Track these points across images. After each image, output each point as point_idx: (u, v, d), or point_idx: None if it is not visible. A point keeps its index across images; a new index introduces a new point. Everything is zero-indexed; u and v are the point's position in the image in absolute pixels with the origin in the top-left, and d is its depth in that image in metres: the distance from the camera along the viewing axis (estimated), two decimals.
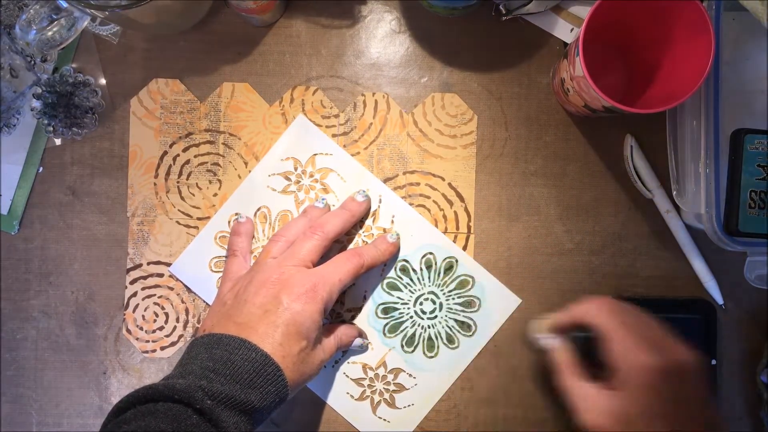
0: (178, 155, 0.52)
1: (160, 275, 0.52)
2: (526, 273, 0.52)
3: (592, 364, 0.42)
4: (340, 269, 0.46)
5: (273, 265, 0.46)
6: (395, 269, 0.52)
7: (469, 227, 0.52)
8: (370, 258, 0.48)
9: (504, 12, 0.50)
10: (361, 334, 0.51)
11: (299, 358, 0.43)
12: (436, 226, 0.52)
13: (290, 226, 0.49)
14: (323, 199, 0.51)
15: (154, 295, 0.52)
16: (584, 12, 0.52)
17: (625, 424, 0.38)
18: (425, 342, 0.52)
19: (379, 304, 0.52)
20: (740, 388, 0.52)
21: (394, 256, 0.52)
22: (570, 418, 0.42)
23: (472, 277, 0.52)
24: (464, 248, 0.52)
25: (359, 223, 0.52)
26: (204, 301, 0.52)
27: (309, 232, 0.47)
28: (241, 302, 0.44)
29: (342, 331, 0.49)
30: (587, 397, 0.41)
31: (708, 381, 0.42)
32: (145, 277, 0.52)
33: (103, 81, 0.52)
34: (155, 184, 0.52)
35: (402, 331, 0.52)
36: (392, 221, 0.52)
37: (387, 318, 0.52)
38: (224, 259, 0.52)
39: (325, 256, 0.48)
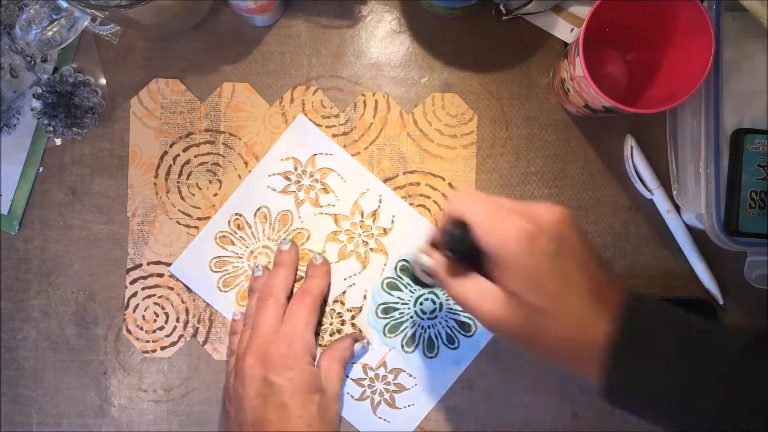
0: (178, 155, 0.52)
1: (160, 275, 0.52)
2: None
3: (475, 261, 0.38)
4: (299, 316, 0.47)
5: (245, 351, 0.46)
6: (395, 269, 0.52)
7: None
8: (315, 288, 0.49)
9: (504, 12, 0.50)
10: (357, 339, 0.51)
11: (320, 412, 0.44)
12: (436, 226, 0.52)
13: (248, 310, 0.50)
14: (258, 267, 0.51)
15: (154, 295, 0.52)
16: (584, 12, 0.52)
17: (517, 304, 0.35)
18: (425, 342, 0.52)
19: (379, 304, 0.52)
20: None
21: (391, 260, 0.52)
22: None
23: None
24: None
25: (360, 222, 0.52)
26: (204, 301, 0.52)
27: (260, 303, 0.48)
28: (239, 402, 0.45)
29: (338, 351, 0.49)
30: (473, 291, 0.37)
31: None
32: (145, 277, 0.52)
33: (103, 81, 0.52)
34: (155, 184, 0.52)
35: (402, 331, 0.52)
36: (392, 221, 0.52)
37: (387, 318, 0.52)
38: (223, 259, 0.52)
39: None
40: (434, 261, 0.40)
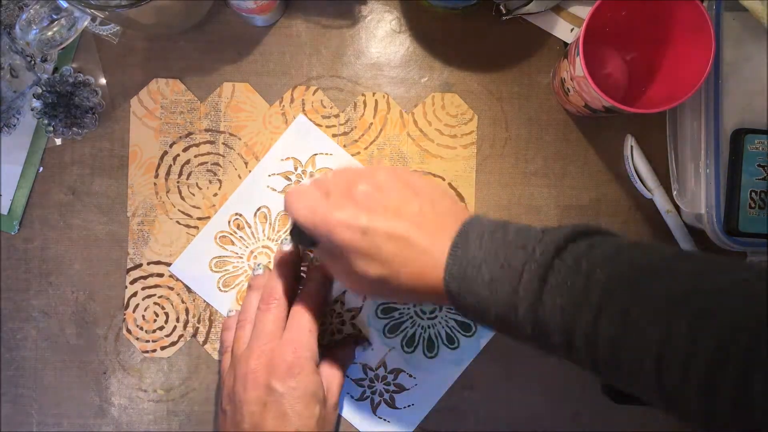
0: (178, 155, 0.52)
1: (160, 275, 0.52)
2: None
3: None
4: (303, 321, 0.47)
5: (248, 353, 0.46)
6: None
7: None
8: (317, 293, 0.49)
9: (504, 12, 0.50)
10: (357, 342, 0.51)
11: (318, 425, 0.44)
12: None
13: (246, 307, 0.49)
14: (259, 265, 0.51)
15: (154, 295, 0.52)
16: (584, 12, 0.52)
17: (363, 281, 0.39)
18: (425, 342, 0.52)
19: (379, 304, 0.52)
20: None
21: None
22: None
23: None
24: None
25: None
26: (204, 301, 0.52)
27: (263, 305, 0.47)
28: (238, 405, 0.44)
29: (339, 355, 0.49)
30: (345, 283, 0.43)
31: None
32: (145, 277, 0.52)
33: (103, 81, 0.52)
34: (155, 184, 0.52)
35: (402, 331, 0.52)
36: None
37: (387, 318, 0.52)
38: (223, 259, 0.52)
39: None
40: (288, 250, 0.48)
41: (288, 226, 0.44)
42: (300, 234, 0.42)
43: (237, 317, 0.50)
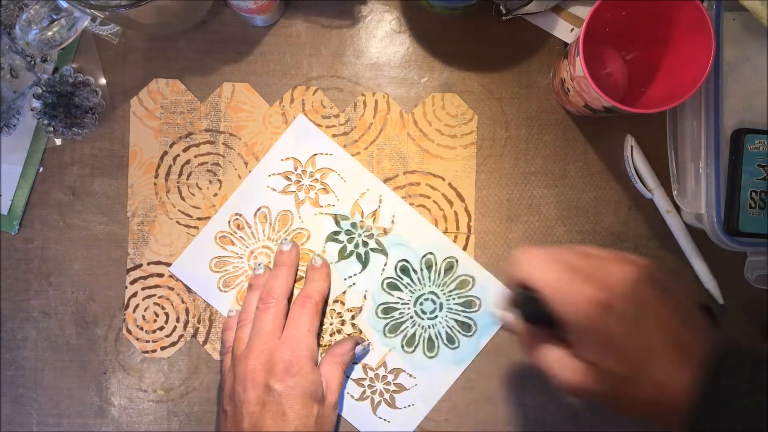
0: (178, 155, 0.52)
1: (160, 275, 0.52)
2: None
3: (552, 323, 0.37)
4: (302, 321, 0.47)
5: (247, 353, 0.46)
6: (395, 269, 0.52)
7: (469, 227, 0.52)
8: (316, 293, 0.49)
9: (504, 12, 0.50)
10: (357, 342, 0.51)
11: (317, 424, 0.44)
12: (437, 226, 0.52)
13: (246, 307, 0.49)
14: (260, 265, 0.51)
15: (154, 295, 0.52)
16: (584, 12, 0.52)
17: (597, 373, 0.34)
18: (425, 342, 0.52)
19: (379, 304, 0.52)
20: None
21: (396, 258, 0.52)
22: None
23: (473, 278, 0.52)
24: (464, 248, 0.52)
25: (360, 222, 0.52)
26: (204, 301, 0.52)
27: (262, 305, 0.48)
28: (238, 404, 0.44)
29: (338, 354, 0.49)
30: (553, 361, 0.37)
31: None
32: (145, 277, 0.52)
33: (103, 81, 0.52)
34: (155, 184, 0.52)
35: (402, 331, 0.52)
36: (392, 221, 0.52)
37: (387, 318, 0.52)
38: (223, 259, 0.52)
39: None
40: (515, 324, 0.40)
41: (511, 294, 0.39)
42: (531, 305, 0.37)
43: (237, 317, 0.50)
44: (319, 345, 0.51)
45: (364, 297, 0.52)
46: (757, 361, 0.33)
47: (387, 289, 0.52)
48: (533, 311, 0.37)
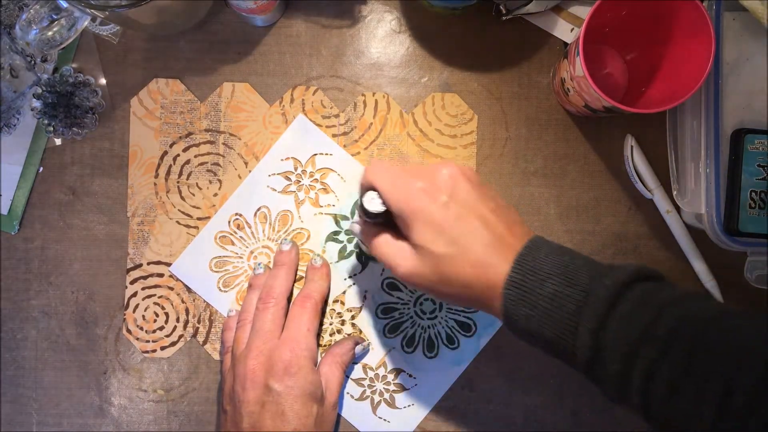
0: (178, 155, 0.52)
1: (160, 275, 0.52)
2: None
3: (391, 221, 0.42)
4: (302, 321, 0.47)
5: (246, 353, 0.46)
6: (359, 250, 0.52)
7: None
8: (316, 292, 0.49)
9: (504, 12, 0.50)
10: (357, 342, 0.51)
11: (317, 425, 0.44)
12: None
13: (246, 306, 0.49)
14: (260, 264, 0.51)
15: (154, 295, 0.52)
16: (584, 12, 0.52)
17: (422, 254, 0.39)
18: (425, 342, 0.52)
19: (379, 304, 0.52)
20: None
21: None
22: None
23: None
24: None
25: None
26: (204, 301, 0.52)
27: (261, 305, 0.48)
28: (237, 405, 0.45)
29: (339, 355, 0.49)
30: (390, 251, 0.41)
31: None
32: (145, 277, 0.52)
33: (103, 81, 0.52)
34: (155, 184, 0.52)
35: (402, 331, 0.52)
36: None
37: (387, 318, 0.52)
38: (223, 259, 0.52)
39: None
40: (357, 226, 0.45)
41: (359, 194, 0.43)
42: (374, 201, 0.41)
43: (237, 317, 0.50)
44: (319, 345, 0.51)
45: (364, 297, 0.52)
46: (560, 248, 0.37)
47: (387, 289, 0.52)
48: (372, 206, 0.41)
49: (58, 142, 0.52)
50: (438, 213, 0.38)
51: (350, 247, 0.52)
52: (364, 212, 0.42)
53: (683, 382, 0.31)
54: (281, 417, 0.43)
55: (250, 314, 0.48)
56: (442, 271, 0.38)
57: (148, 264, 0.52)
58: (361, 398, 0.52)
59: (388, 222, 0.42)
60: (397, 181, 0.40)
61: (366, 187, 0.42)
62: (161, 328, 0.52)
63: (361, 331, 0.52)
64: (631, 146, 0.51)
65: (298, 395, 0.44)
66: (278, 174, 0.52)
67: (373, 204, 0.41)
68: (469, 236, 0.38)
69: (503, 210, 0.40)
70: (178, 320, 0.52)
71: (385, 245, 0.42)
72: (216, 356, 0.52)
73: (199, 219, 0.52)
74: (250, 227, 0.52)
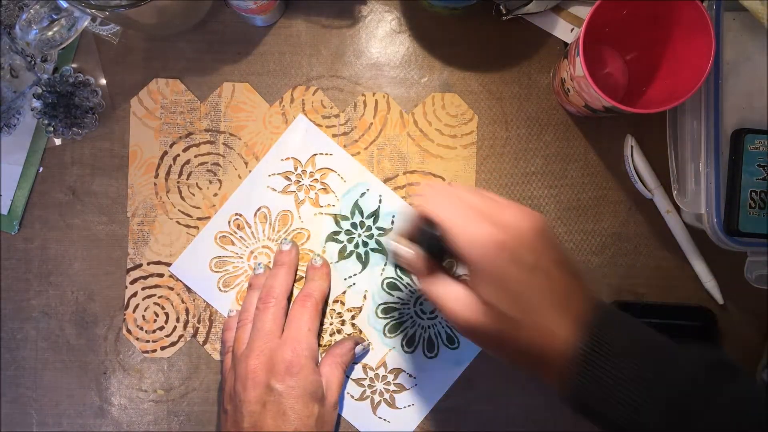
0: (178, 155, 0.52)
1: (161, 275, 0.52)
2: None
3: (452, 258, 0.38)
4: (302, 320, 0.47)
5: (247, 353, 0.46)
6: (395, 269, 0.52)
7: None
8: (316, 292, 0.49)
9: (504, 12, 0.50)
10: (357, 342, 0.51)
11: (317, 425, 0.44)
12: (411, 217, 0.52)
13: (246, 306, 0.49)
14: (260, 264, 0.51)
15: (155, 295, 0.52)
16: (584, 12, 0.52)
17: (490, 313, 0.35)
18: (425, 342, 0.52)
19: (379, 304, 0.52)
20: None
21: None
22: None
23: None
24: None
25: (360, 222, 0.52)
26: (204, 301, 0.52)
27: (262, 305, 0.48)
28: (238, 404, 0.44)
29: (338, 354, 0.49)
30: (452, 297, 0.37)
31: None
32: (145, 277, 0.52)
33: (103, 81, 0.52)
34: (155, 184, 0.52)
35: (402, 331, 0.52)
36: (392, 221, 0.52)
37: (387, 318, 0.52)
38: (223, 259, 0.52)
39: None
40: (414, 255, 0.39)
41: (410, 228, 0.39)
42: (433, 238, 0.37)
43: (237, 317, 0.50)
44: (319, 345, 0.51)
45: (364, 297, 0.52)
46: (635, 325, 0.35)
47: (387, 289, 0.52)
48: (433, 246, 0.37)
49: (58, 142, 0.52)
50: (519, 278, 0.35)
51: (350, 247, 0.52)
52: (424, 246, 0.38)
53: None
54: (282, 417, 0.43)
55: (250, 314, 0.48)
56: (508, 332, 0.35)
57: (148, 264, 0.52)
58: (361, 398, 0.52)
59: (445, 257, 0.38)
60: (466, 221, 0.36)
61: (423, 218, 0.38)
62: (161, 328, 0.52)
63: (361, 331, 0.52)
64: (631, 146, 0.51)
65: (299, 395, 0.44)
66: (278, 174, 0.52)
67: (433, 241, 0.37)
68: (545, 304, 0.35)
69: (567, 266, 0.36)
70: (178, 320, 0.52)
71: (443, 288, 0.38)
72: (216, 356, 0.52)
73: (199, 219, 0.52)
74: (250, 227, 0.52)
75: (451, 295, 0.37)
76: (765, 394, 0.34)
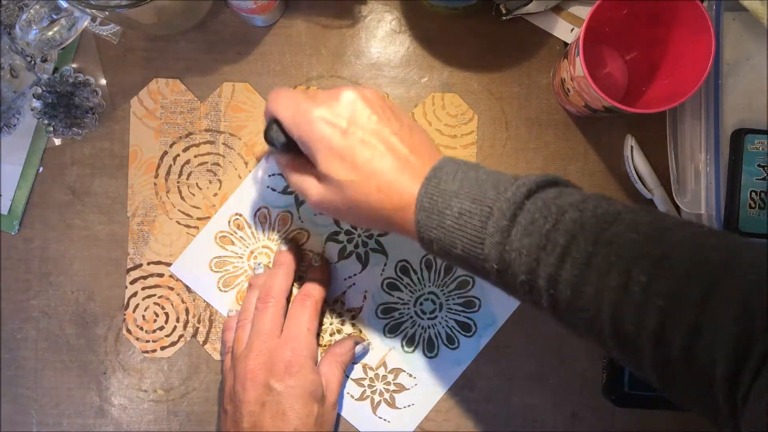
0: (178, 155, 0.52)
1: (160, 275, 0.52)
2: None
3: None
4: (302, 320, 0.47)
5: (246, 353, 0.46)
6: (395, 269, 0.52)
7: None
8: (316, 291, 0.49)
9: (504, 12, 0.50)
10: (357, 342, 0.51)
11: (317, 424, 0.44)
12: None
13: (246, 306, 0.49)
14: (260, 264, 0.51)
15: (154, 295, 0.52)
16: (584, 12, 0.52)
17: (328, 183, 0.39)
18: (425, 342, 0.52)
19: (379, 304, 0.52)
20: None
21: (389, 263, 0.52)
22: None
23: (473, 278, 0.52)
24: None
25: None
26: (204, 301, 0.52)
27: (261, 305, 0.47)
28: (238, 404, 0.44)
29: (338, 354, 0.49)
30: (301, 181, 0.42)
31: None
32: (145, 277, 0.52)
33: (103, 81, 0.52)
34: (155, 184, 0.52)
35: (402, 331, 0.52)
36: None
37: (387, 318, 0.52)
38: (223, 259, 0.52)
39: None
40: (277, 156, 0.45)
41: (266, 124, 0.43)
42: (276, 132, 0.42)
43: (237, 317, 0.50)
44: (318, 345, 0.51)
45: (364, 297, 0.52)
46: (466, 164, 0.38)
47: (387, 289, 0.52)
48: (279, 140, 0.42)
49: (58, 142, 0.52)
50: (338, 140, 0.38)
51: (350, 247, 0.52)
52: (271, 143, 0.42)
53: (583, 282, 0.32)
54: (282, 417, 0.43)
55: (250, 314, 0.48)
56: (349, 197, 0.39)
57: (148, 264, 0.52)
58: (361, 398, 0.52)
59: (299, 150, 0.42)
60: (299, 110, 0.40)
61: (270, 118, 0.42)
62: (161, 328, 0.52)
63: (361, 331, 0.52)
64: (631, 146, 0.51)
65: (299, 395, 0.44)
66: (278, 174, 0.52)
67: (277, 135, 0.41)
68: (372, 161, 0.38)
69: (407, 131, 0.40)
70: (178, 320, 0.52)
71: (296, 175, 0.42)
72: (216, 356, 0.52)
73: (199, 219, 0.52)
74: (250, 227, 0.52)
75: (301, 178, 0.42)
76: (589, 199, 0.35)
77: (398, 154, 0.38)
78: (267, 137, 0.42)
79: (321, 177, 0.40)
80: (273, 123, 0.42)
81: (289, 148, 0.42)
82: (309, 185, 0.41)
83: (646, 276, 0.30)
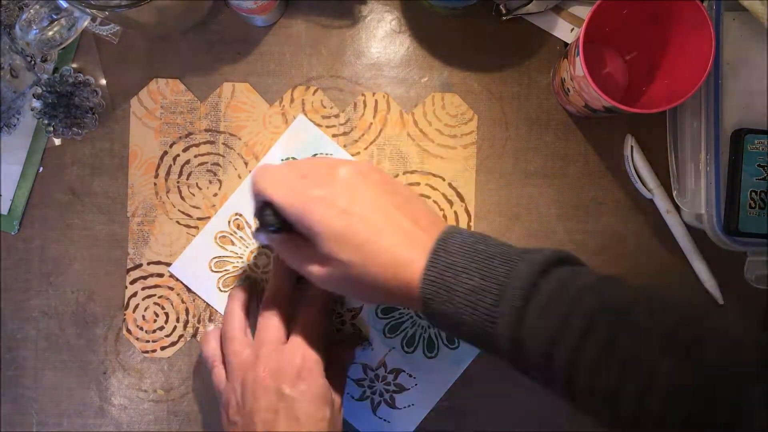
0: (178, 155, 0.52)
1: (160, 275, 0.52)
2: None
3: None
4: (309, 325, 0.46)
5: (252, 360, 0.44)
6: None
7: (469, 227, 0.52)
8: (322, 294, 0.48)
9: (504, 12, 0.50)
10: (357, 342, 0.51)
11: (330, 425, 0.43)
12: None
13: (230, 318, 0.48)
14: (245, 279, 0.51)
15: (154, 295, 0.52)
16: (584, 12, 0.52)
17: (331, 263, 0.39)
18: (425, 342, 0.52)
19: (379, 304, 0.52)
20: None
21: None
22: None
23: None
24: None
25: None
26: (204, 301, 0.52)
27: (264, 311, 0.46)
28: (248, 414, 0.43)
29: (339, 355, 0.49)
30: (305, 266, 0.41)
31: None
32: (145, 277, 0.52)
33: (103, 81, 0.52)
34: (155, 184, 0.52)
35: (402, 331, 0.52)
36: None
37: (387, 318, 0.52)
38: (223, 259, 0.52)
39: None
40: (268, 240, 0.44)
41: (255, 207, 0.42)
42: (271, 216, 0.40)
43: (217, 332, 0.48)
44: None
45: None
46: (472, 236, 0.37)
47: None
48: (275, 223, 0.40)
49: (58, 142, 0.52)
50: (338, 221, 0.37)
51: None
52: (265, 226, 0.41)
53: (604, 365, 0.32)
54: (295, 422, 0.42)
55: (236, 326, 0.47)
56: (354, 276, 0.38)
57: (148, 264, 0.52)
58: (361, 398, 0.52)
59: (294, 230, 0.41)
60: (294, 191, 0.39)
61: (260, 199, 0.41)
62: (161, 328, 0.52)
63: (361, 331, 0.52)
64: (631, 146, 0.51)
65: (311, 399, 0.43)
66: None
67: (272, 219, 0.40)
68: (375, 239, 0.37)
69: (407, 203, 0.39)
70: (178, 320, 0.52)
71: (294, 256, 0.41)
72: None
73: (199, 219, 0.52)
74: (250, 227, 0.52)
75: (301, 258, 0.41)
76: (606, 282, 0.35)
77: (401, 228, 0.38)
78: (261, 220, 0.41)
79: (322, 258, 0.39)
80: (266, 206, 0.40)
81: (283, 228, 0.41)
82: (310, 267, 0.40)
83: (675, 363, 0.30)
